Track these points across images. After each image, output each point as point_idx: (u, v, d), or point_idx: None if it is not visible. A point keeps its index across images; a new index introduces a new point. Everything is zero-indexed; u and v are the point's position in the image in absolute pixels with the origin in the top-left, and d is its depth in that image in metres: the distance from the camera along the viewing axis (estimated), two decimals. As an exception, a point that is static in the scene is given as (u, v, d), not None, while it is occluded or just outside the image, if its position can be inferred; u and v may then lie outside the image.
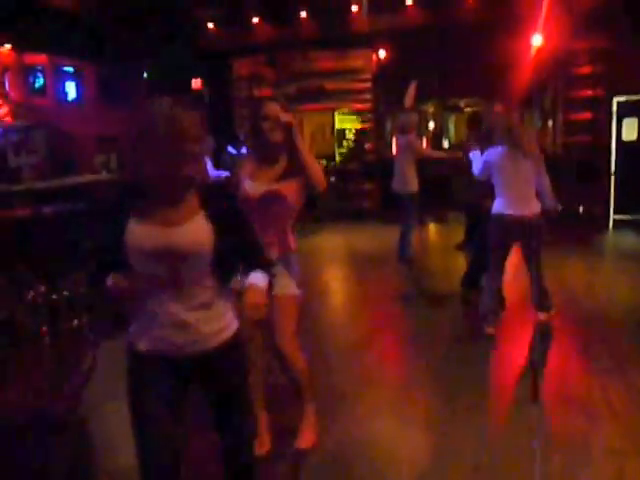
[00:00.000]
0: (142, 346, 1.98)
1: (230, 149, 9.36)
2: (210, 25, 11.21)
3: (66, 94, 10.21)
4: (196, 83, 11.44)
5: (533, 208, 4.62)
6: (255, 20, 11.09)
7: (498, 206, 4.69)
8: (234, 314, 2.10)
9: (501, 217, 4.65)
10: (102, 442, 3.36)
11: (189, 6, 10.39)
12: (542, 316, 4.86)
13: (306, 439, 3.14)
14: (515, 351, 4.56)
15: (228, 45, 11.37)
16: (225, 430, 2.13)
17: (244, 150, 9.16)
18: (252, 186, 2.88)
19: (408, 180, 7.11)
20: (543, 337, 4.62)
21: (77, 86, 10.37)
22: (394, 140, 7.56)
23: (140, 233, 1.87)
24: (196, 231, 1.90)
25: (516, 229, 4.61)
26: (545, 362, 4.25)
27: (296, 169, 2.83)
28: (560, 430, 3.26)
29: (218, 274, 1.98)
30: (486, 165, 4.75)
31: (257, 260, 2.07)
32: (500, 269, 4.80)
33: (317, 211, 11.15)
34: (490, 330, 4.77)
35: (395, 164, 7.36)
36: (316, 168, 2.86)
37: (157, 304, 1.93)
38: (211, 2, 10.47)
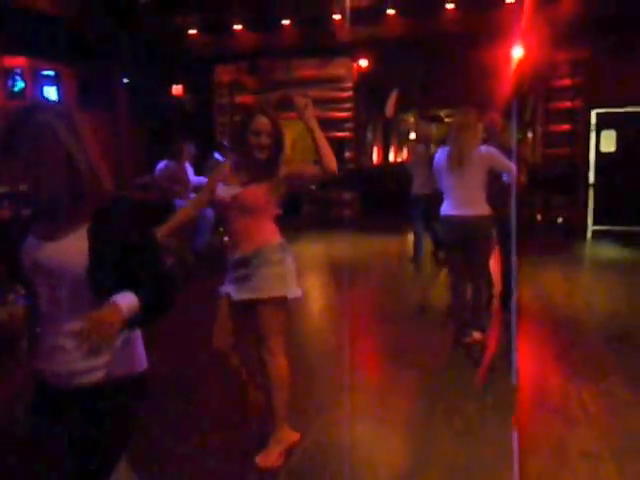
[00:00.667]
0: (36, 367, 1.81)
1: (217, 156, 9.32)
2: (192, 31, 11.20)
3: (46, 98, 10.09)
4: (177, 89, 11.40)
5: (479, 210, 4.54)
6: (237, 27, 11.11)
7: (444, 207, 4.68)
8: (127, 357, 1.79)
9: (446, 218, 4.65)
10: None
11: (171, 12, 10.39)
12: (477, 335, 4.69)
13: (270, 458, 2.96)
14: (494, 356, 4.56)
15: (210, 51, 11.37)
16: None
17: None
18: (223, 189, 2.91)
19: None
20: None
21: (57, 90, 10.25)
22: (413, 149, 7.76)
23: (25, 246, 1.73)
24: (68, 248, 1.68)
25: (461, 230, 4.56)
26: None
27: (264, 175, 2.86)
28: (537, 433, 3.26)
29: (100, 301, 1.67)
30: (434, 167, 4.78)
31: (143, 286, 1.70)
32: (456, 271, 4.73)
33: (297, 219, 11.15)
34: (467, 340, 4.70)
35: (414, 171, 7.43)
36: (328, 151, 2.86)
37: (41, 326, 1.77)
38: (193, 8, 10.47)
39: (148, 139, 10.49)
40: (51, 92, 10.11)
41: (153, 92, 10.81)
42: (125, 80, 10.50)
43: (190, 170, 8.20)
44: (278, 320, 2.94)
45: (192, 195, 7.94)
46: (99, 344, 1.59)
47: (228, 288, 2.97)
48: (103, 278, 1.67)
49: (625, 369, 4.11)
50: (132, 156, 10.24)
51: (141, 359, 1.84)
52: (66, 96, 10.38)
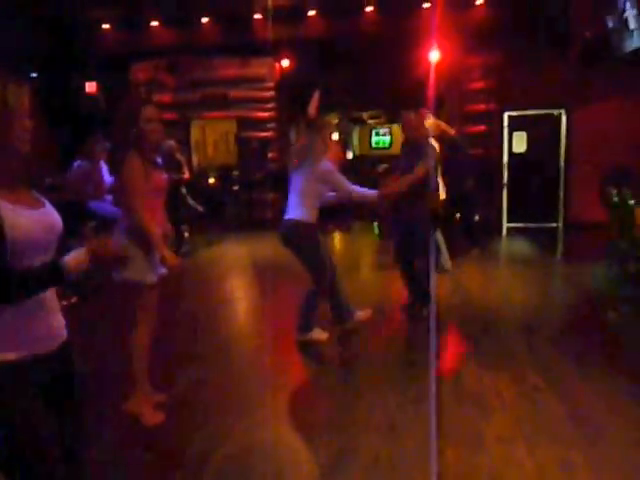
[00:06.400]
0: (12, 355, 1.70)
1: None
2: (106, 26, 10.80)
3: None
4: (90, 87, 10.93)
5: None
6: (154, 23, 10.81)
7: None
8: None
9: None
10: None
11: (84, 6, 9.97)
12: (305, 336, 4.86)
13: None
14: (410, 351, 4.63)
15: (125, 48, 10.99)
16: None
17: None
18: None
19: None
20: None
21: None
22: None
23: (25, 219, 1.69)
24: (55, 212, 1.86)
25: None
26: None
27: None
28: (455, 423, 3.33)
29: None
30: None
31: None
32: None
33: (221, 220, 10.98)
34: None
35: None
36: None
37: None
38: (107, 2, 10.09)
39: (59, 138, 9.99)
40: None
41: (64, 89, 10.34)
42: (33, 75, 9.99)
43: (105, 169, 7.89)
44: None
45: (107, 197, 7.64)
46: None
47: None
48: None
49: (536, 357, 4.28)
50: (42, 156, 9.74)
51: None
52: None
